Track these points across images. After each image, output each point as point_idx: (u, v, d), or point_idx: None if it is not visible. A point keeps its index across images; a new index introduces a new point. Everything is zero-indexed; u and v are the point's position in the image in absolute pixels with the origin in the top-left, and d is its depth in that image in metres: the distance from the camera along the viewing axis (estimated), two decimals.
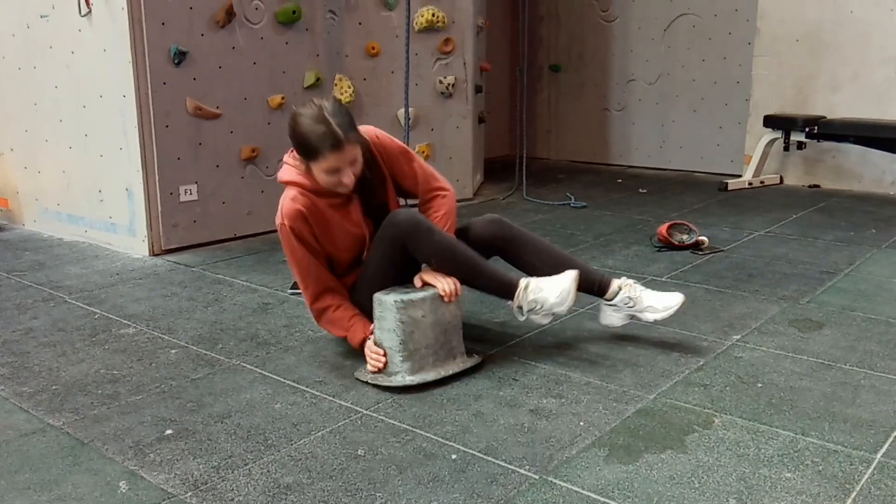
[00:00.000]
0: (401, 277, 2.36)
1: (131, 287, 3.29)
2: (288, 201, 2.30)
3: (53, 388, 2.30)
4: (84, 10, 3.69)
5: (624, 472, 1.79)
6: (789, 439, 1.92)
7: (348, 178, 2.22)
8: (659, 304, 2.43)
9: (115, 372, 2.41)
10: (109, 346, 2.63)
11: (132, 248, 3.84)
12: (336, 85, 4.40)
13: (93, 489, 1.75)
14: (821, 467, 1.80)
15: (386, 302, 2.24)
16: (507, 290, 2.36)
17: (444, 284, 2.28)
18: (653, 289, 2.52)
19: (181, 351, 2.58)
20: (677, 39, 6.08)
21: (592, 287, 2.48)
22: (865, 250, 3.69)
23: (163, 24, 3.62)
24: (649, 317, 2.45)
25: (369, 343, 2.31)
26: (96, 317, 2.93)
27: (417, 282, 2.33)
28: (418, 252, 2.31)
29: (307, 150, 2.20)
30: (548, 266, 2.42)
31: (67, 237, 4.16)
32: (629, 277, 2.57)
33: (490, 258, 2.48)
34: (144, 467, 1.84)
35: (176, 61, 3.69)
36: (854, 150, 5.19)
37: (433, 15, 4.60)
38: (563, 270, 2.36)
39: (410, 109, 4.39)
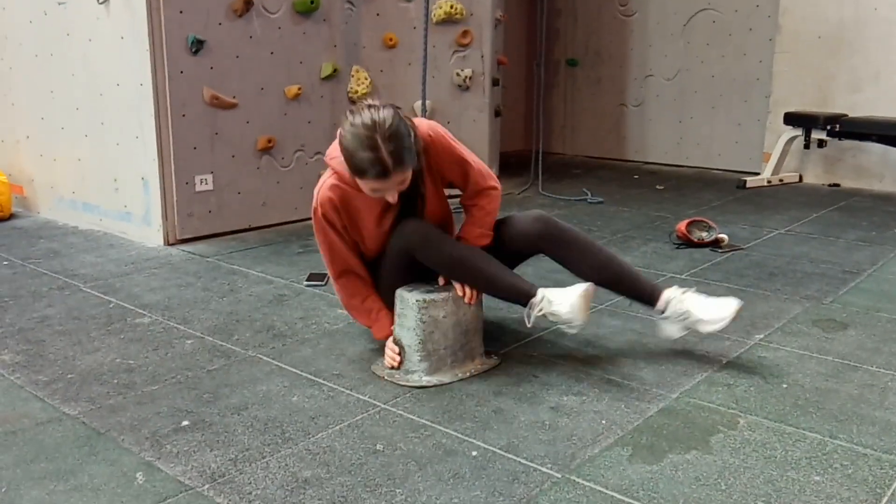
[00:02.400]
0: (415, 279, 2.31)
1: (146, 276, 3.28)
2: (324, 188, 2.24)
3: (69, 376, 2.28)
4: None
5: (648, 473, 1.75)
6: (817, 442, 1.88)
7: (392, 198, 2.12)
8: (711, 316, 2.29)
9: (131, 362, 2.39)
10: (125, 335, 2.62)
11: (147, 238, 3.82)
12: (353, 76, 4.37)
13: (109, 480, 1.73)
14: (850, 471, 1.76)
15: (408, 300, 2.21)
16: (523, 301, 2.28)
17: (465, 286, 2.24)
18: (702, 292, 2.36)
19: (197, 341, 2.56)
20: (697, 35, 6.02)
21: (642, 297, 2.37)
22: (888, 250, 3.64)
23: (180, 12, 3.60)
24: (706, 328, 2.30)
25: (389, 340, 2.28)
26: (111, 306, 2.91)
27: (441, 279, 2.29)
28: (428, 263, 2.26)
29: (352, 168, 2.07)
30: (593, 271, 2.32)
31: (82, 226, 4.15)
32: (664, 279, 2.52)
33: (534, 255, 2.44)
34: (161, 458, 1.82)
35: (193, 50, 3.67)
36: (875, 149, 5.12)
37: (451, 7, 4.56)
38: (608, 276, 2.33)
39: (427, 102, 4.36)
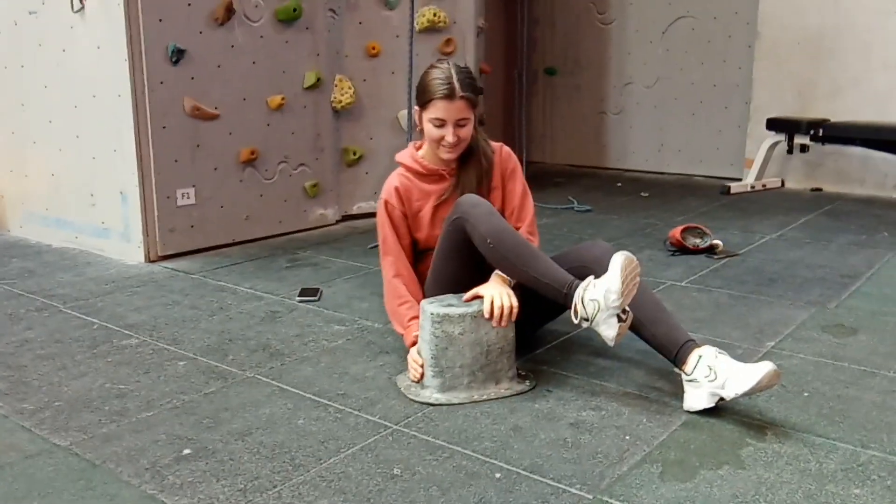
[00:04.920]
0: (462, 272, 2.22)
1: (129, 295, 3.13)
2: (392, 178, 2.39)
3: (56, 404, 2.15)
4: (77, 5, 3.53)
5: (683, 491, 1.67)
6: (850, 452, 1.82)
7: (451, 136, 2.22)
8: (742, 378, 1.94)
9: (122, 386, 2.26)
10: (112, 358, 2.48)
11: (126, 255, 3.68)
12: (336, 86, 4.27)
13: None
14: (888, 482, 1.70)
15: (426, 311, 2.12)
16: (562, 290, 2.06)
17: (494, 299, 2.08)
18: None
19: (189, 363, 2.43)
20: (676, 42, 6.02)
21: (671, 351, 2.09)
22: (882, 254, 3.63)
23: (160, 20, 3.47)
24: (729, 393, 1.95)
25: (413, 350, 2.19)
26: (95, 327, 2.77)
27: (467, 295, 2.16)
28: (475, 232, 2.13)
29: (422, 95, 2.26)
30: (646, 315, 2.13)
31: (56, 243, 3.98)
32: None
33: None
34: (164, 491, 1.70)
35: (173, 60, 3.54)
36: (856, 154, 5.14)
37: (434, 14, 4.49)
38: (638, 315, 2.11)
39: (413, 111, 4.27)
